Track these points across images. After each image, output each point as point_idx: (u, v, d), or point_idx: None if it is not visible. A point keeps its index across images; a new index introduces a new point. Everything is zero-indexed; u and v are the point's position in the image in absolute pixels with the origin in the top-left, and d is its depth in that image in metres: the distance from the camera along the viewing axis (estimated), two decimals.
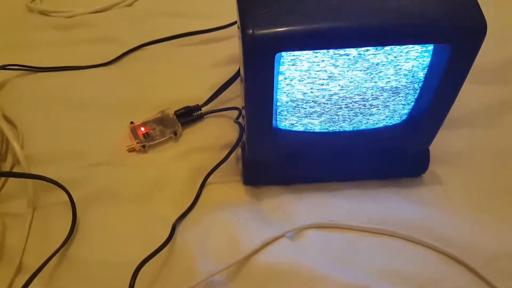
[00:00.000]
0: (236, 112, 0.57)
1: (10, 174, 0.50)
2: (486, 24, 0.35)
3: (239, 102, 0.57)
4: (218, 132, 0.56)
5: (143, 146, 0.54)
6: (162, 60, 0.67)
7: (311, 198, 0.50)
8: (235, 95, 0.60)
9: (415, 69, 0.41)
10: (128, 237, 0.46)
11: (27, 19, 0.72)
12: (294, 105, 0.43)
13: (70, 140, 0.55)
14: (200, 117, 0.58)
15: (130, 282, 0.40)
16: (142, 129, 0.55)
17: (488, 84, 0.62)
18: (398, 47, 0.38)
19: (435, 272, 0.44)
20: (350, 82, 0.41)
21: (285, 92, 0.42)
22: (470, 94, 0.59)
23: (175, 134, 0.56)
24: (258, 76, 0.39)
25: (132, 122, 0.56)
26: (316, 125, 0.46)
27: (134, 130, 0.55)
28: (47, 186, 0.48)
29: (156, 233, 0.45)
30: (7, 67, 0.62)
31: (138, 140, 0.54)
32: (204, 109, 0.59)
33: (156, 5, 0.77)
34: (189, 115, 0.58)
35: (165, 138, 0.56)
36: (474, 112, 0.59)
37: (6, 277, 0.42)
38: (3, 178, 0.50)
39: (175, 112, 0.57)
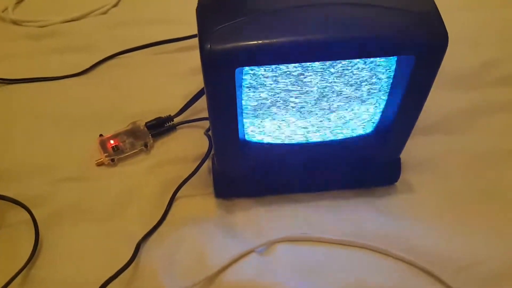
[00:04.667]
0: (208, 123, 0.56)
1: None
2: (447, 36, 0.34)
3: None
4: (191, 144, 0.55)
5: (112, 160, 0.53)
6: (137, 69, 0.66)
7: (283, 211, 0.49)
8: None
9: (379, 78, 0.40)
10: (93, 256, 0.44)
11: None
12: (260, 114, 0.42)
13: (39, 154, 0.54)
14: (172, 128, 0.57)
15: None
16: (112, 142, 0.54)
17: (461, 89, 0.62)
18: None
19: (404, 284, 0.43)
20: (315, 88, 0.40)
21: (249, 101, 0.41)
22: (443, 100, 0.60)
23: (146, 146, 0.55)
24: (218, 90, 0.38)
25: (101, 135, 0.55)
26: (284, 136, 0.45)
27: (103, 143, 0.54)
28: (9, 205, 0.47)
29: (121, 251, 0.44)
30: None
31: (107, 154, 0.53)
32: (176, 120, 0.58)
33: (133, 12, 0.76)
34: (161, 126, 0.57)
35: (136, 150, 0.54)
36: (447, 118, 0.58)
37: None
38: None
39: (146, 123, 0.56)
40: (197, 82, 0.60)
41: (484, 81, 0.63)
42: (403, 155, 0.49)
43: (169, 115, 0.57)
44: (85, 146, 0.55)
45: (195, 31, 0.36)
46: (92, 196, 0.50)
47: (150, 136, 0.55)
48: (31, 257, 0.43)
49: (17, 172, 0.52)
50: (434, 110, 0.58)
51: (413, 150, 0.53)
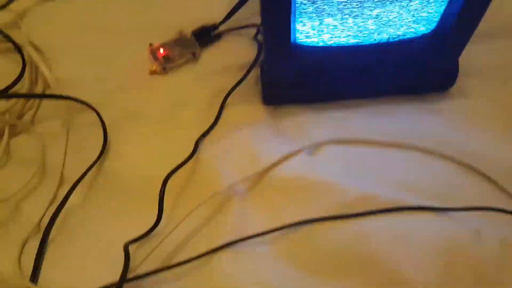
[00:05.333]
0: (254, 30, 0.57)
1: (46, 96, 0.53)
2: None
3: (258, 19, 0.57)
4: (238, 52, 0.57)
5: (164, 68, 0.56)
6: None
7: (331, 115, 0.51)
8: (254, 11, 0.59)
9: None
10: (155, 153, 0.49)
11: None
12: (314, 13, 0.42)
13: (94, 65, 0.57)
14: (218, 36, 0.59)
15: (160, 191, 0.44)
16: (162, 51, 0.57)
17: None
18: None
19: (452, 182, 0.45)
20: None
21: None
22: (503, 4, 0.56)
23: (194, 55, 0.57)
24: None
25: (151, 44, 0.57)
26: (337, 37, 0.45)
27: (153, 52, 0.57)
28: (78, 107, 0.51)
29: (181, 149, 0.48)
30: None
31: (158, 62, 0.56)
32: (221, 28, 0.59)
33: None
34: (206, 35, 0.58)
35: (185, 59, 0.57)
36: (505, 24, 0.56)
37: (50, 189, 0.47)
38: (37, 101, 0.53)
39: (193, 32, 0.58)
40: None
41: None
42: (461, 59, 0.48)
43: (214, 23, 0.59)
44: (136, 56, 0.57)
45: None
46: (148, 102, 0.53)
47: (198, 45, 0.57)
48: (102, 152, 0.49)
49: (74, 81, 0.56)
50: (494, 15, 0.56)
51: (472, 55, 0.50)
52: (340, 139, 0.49)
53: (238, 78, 0.53)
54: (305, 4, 0.41)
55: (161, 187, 0.44)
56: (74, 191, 0.46)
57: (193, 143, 0.49)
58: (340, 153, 0.48)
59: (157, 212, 0.43)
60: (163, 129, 0.52)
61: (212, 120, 0.51)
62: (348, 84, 0.51)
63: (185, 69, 0.57)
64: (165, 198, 0.44)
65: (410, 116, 0.50)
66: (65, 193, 0.45)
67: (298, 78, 0.50)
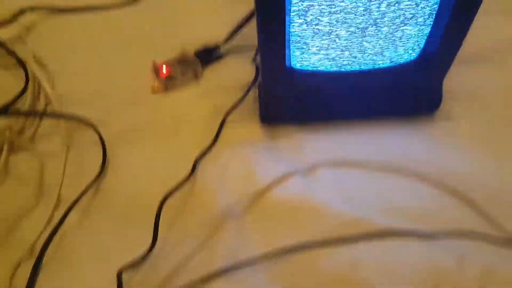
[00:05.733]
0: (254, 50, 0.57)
1: (46, 115, 0.53)
2: None
3: None
4: (237, 71, 0.57)
5: (165, 86, 0.56)
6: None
7: (325, 136, 0.51)
8: (256, 32, 0.59)
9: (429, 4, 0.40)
10: (154, 172, 0.49)
11: None
12: (308, 40, 0.43)
13: (97, 80, 0.58)
14: (220, 56, 0.59)
15: (156, 215, 0.44)
16: (164, 68, 0.57)
17: (504, 17, 0.59)
18: None
19: (441, 208, 0.45)
20: (364, 15, 0.40)
21: (298, 27, 0.42)
22: (494, 27, 0.58)
23: (196, 74, 0.57)
24: (269, 15, 0.39)
25: (154, 62, 0.58)
26: (329, 64, 0.46)
27: (156, 70, 0.57)
28: (78, 125, 0.51)
29: (179, 168, 0.48)
30: (35, 8, 0.64)
31: (160, 80, 0.56)
32: (223, 48, 0.59)
33: None
34: (208, 55, 0.59)
35: (186, 78, 0.57)
36: (496, 47, 0.57)
37: (47, 209, 0.47)
38: (38, 118, 0.53)
39: (195, 51, 0.58)
40: (243, 8, 0.60)
41: None
42: (445, 84, 0.49)
43: (216, 43, 0.59)
44: (139, 73, 0.58)
45: None
46: (149, 120, 0.54)
47: (200, 65, 0.58)
48: (100, 171, 0.49)
49: (77, 97, 0.56)
50: (483, 38, 0.57)
51: (455, 79, 0.52)
52: (333, 162, 0.49)
53: (238, 98, 0.53)
54: (298, 40, 0.43)
55: (157, 210, 0.43)
56: (71, 212, 0.46)
57: (192, 162, 0.49)
58: (334, 176, 0.48)
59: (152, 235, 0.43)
60: (162, 147, 0.51)
61: (211, 139, 0.51)
62: (341, 106, 0.52)
63: (186, 88, 0.57)
64: (161, 220, 0.43)
65: (399, 139, 0.51)
66: (62, 213, 0.45)
67: (294, 99, 0.50)
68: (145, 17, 0.64)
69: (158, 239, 0.43)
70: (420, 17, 0.42)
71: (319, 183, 0.48)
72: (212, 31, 0.60)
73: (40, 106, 0.55)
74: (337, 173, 0.49)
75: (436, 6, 0.41)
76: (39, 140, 0.53)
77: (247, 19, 0.58)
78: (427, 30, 0.43)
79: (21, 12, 0.63)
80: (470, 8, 0.41)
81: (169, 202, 0.45)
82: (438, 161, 0.49)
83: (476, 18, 0.58)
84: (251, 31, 0.58)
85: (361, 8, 0.40)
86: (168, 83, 0.56)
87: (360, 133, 0.52)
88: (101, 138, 0.50)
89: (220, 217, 0.45)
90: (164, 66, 0.57)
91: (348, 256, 0.42)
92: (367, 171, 0.49)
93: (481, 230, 0.43)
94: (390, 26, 0.42)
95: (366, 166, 0.49)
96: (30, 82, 0.55)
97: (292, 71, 0.47)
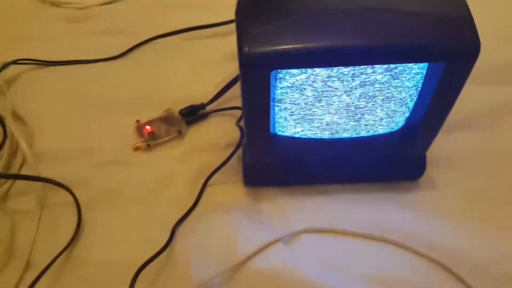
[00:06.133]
0: (240, 111, 0.57)
1: (19, 177, 0.52)
2: (479, 44, 0.34)
3: None
4: (222, 132, 0.57)
5: (148, 145, 0.55)
6: (172, 54, 0.67)
7: (309, 201, 0.51)
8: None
9: (411, 83, 0.41)
10: (130, 238, 0.47)
11: (38, 10, 0.73)
12: (291, 113, 0.43)
13: (78, 138, 0.57)
14: (205, 115, 0.59)
15: (130, 284, 0.42)
16: (148, 127, 0.56)
17: (490, 85, 0.61)
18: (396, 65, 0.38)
19: (423, 279, 0.45)
20: (347, 95, 0.41)
21: (282, 100, 0.42)
22: (475, 95, 0.58)
23: (180, 133, 0.57)
24: (254, 90, 0.39)
25: (138, 121, 0.57)
26: (313, 133, 0.46)
27: (139, 129, 0.56)
28: (53, 186, 0.50)
29: (157, 235, 0.46)
30: (18, 62, 0.64)
31: (143, 139, 0.55)
32: (209, 108, 0.59)
33: None
34: (194, 114, 0.58)
35: (170, 137, 0.57)
36: (474, 115, 0.58)
37: (15, 273, 0.44)
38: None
39: (181, 111, 0.58)
40: (230, 69, 0.61)
41: None
42: (431, 150, 0.49)
43: (202, 103, 0.59)
44: (122, 131, 0.57)
45: (230, 17, 0.37)
46: (129, 180, 0.52)
47: (184, 124, 0.57)
48: (74, 237, 0.47)
49: (56, 155, 0.55)
50: (464, 106, 0.58)
51: (438, 146, 0.52)
52: (316, 229, 0.48)
53: (222, 159, 0.53)
54: (279, 106, 0.43)
55: (132, 281, 0.41)
56: (42, 278, 0.43)
57: (170, 229, 0.47)
58: (316, 243, 0.47)
59: None
60: (141, 211, 0.50)
61: (191, 202, 0.50)
62: (325, 171, 0.52)
63: (170, 147, 0.56)
64: None
65: (382, 207, 0.50)
66: (32, 279, 0.43)
67: (278, 164, 0.50)
68: (131, 73, 0.64)
69: None
70: (403, 97, 0.42)
71: (301, 251, 0.47)
72: (199, 90, 0.60)
73: (17, 163, 0.53)
74: (320, 240, 0.48)
75: (417, 87, 0.42)
76: (12, 198, 0.51)
77: (234, 81, 0.58)
78: (410, 106, 0.44)
79: (4, 66, 0.62)
80: (454, 89, 0.41)
81: (144, 272, 0.43)
82: (421, 231, 0.48)
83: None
84: (237, 91, 0.59)
85: (341, 91, 0.40)
86: (152, 142, 0.56)
87: (344, 198, 0.51)
88: (76, 201, 0.49)
89: None
90: (147, 125, 0.56)
91: None
92: (350, 239, 0.48)
93: None
94: (372, 104, 0.43)
95: (349, 234, 0.48)
96: (7, 140, 0.54)
97: (276, 137, 0.47)
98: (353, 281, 0.44)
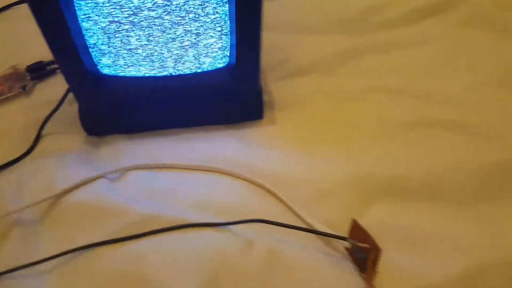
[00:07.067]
0: None
1: None
2: None
3: None
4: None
5: None
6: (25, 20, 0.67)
7: (145, 143, 0.52)
8: None
9: (217, 14, 0.43)
10: None
11: None
12: (103, 46, 0.44)
13: None
14: (53, 71, 0.60)
15: None
16: None
17: (343, 33, 0.64)
18: None
19: (245, 201, 0.46)
20: (157, 19, 0.42)
21: (89, 32, 0.43)
22: (322, 43, 0.63)
23: (24, 88, 0.57)
24: (48, 23, 0.40)
25: None
26: (135, 69, 0.47)
27: None
28: None
29: None
30: None
31: None
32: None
33: None
34: (41, 70, 0.59)
35: (14, 93, 0.57)
36: (323, 60, 0.61)
37: None
38: None
39: (27, 66, 0.59)
40: None
41: (366, 25, 0.65)
42: (274, 94, 0.52)
43: (52, 59, 0.59)
44: None
45: None
46: None
47: (29, 79, 0.58)
48: None
49: None
50: (311, 53, 0.61)
51: (284, 90, 0.57)
52: (145, 165, 0.49)
53: (66, 111, 0.53)
54: (93, 45, 0.44)
55: None
56: None
57: None
58: (144, 178, 0.49)
59: None
60: None
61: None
62: (161, 115, 0.53)
63: (14, 102, 0.57)
64: None
65: (218, 142, 0.52)
66: None
67: (111, 109, 0.51)
68: None
69: None
70: (210, 29, 0.44)
71: (127, 185, 0.48)
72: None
73: None
74: (148, 176, 0.49)
75: (221, 19, 0.44)
76: None
77: None
78: (225, 40, 0.46)
79: None
80: (252, 21, 0.43)
81: None
82: (250, 160, 0.50)
83: (305, 36, 0.64)
84: None
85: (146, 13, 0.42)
86: None
87: (181, 138, 0.53)
88: None
89: (9, 224, 0.44)
90: None
91: (133, 253, 0.42)
92: (179, 172, 0.49)
93: (280, 217, 0.44)
94: (184, 35, 0.44)
95: (179, 167, 0.49)
96: None
97: (96, 77, 0.47)
98: (176, 208, 0.46)
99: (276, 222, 0.41)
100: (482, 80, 0.56)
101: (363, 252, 0.38)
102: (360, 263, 0.39)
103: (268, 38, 0.61)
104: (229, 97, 0.52)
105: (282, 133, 0.53)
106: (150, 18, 0.42)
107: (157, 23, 0.43)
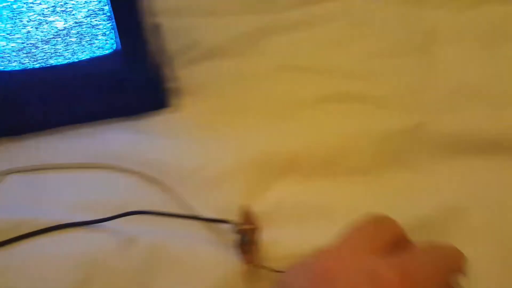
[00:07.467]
0: None
1: None
2: None
3: None
4: None
5: None
6: None
7: (32, 145, 0.48)
8: None
9: None
10: None
11: None
12: None
13: None
14: None
15: None
16: None
17: (251, 13, 0.62)
18: None
19: (132, 195, 0.43)
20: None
21: None
22: (231, 24, 0.60)
23: None
24: None
25: None
26: (6, 58, 0.43)
27: None
28: None
29: None
30: None
31: None
32: None
33: None
34: None
35: None
36: (232, 42, 0.58)
37: None
38: None
39: None
40: None
41: (276, 4, 0.62)
42: (182, 80, 0.50)
43: None
44: None
45: None
46: None
47: None
48: None
49: None
50: (221, 35, 0.59)
51: (194, 75, 0.54)
52: (23, 168, 0.45)
53: None
54: None
55: None
56: None
57: None
58: (24, 182, 0.44)
59: None
60: None
61: None
62: (50, 112, 0.49)
63: None
64: None
65: (109, 137, 0.48)
66: None
67: None
68: None
69: None
70: (92, 14, 0.41)
71: (6, 191, 0.44)
72: None
73: None
74: (28, 179, 0.45)
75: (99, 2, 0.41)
76: None
77: None
78: (107, 25, 0.43)
79: None
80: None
81: None
82: (143, 152, 0.46)
83: (214, 18, 0.61)
84: None
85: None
86: None
87: (70, 135, 0.48)
88: None
89: None
90: None
91: None
92: (63, 173, 0.45)
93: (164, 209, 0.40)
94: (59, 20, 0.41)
95: (64, 167, 0.45)
96: None
97: None
98: (54, 211, 0.41)
99: (152, 211, 0.38)
100: (390, 52, 0.55)
101: (248, 235, 0.35)
102: (245, 246, 0.36)
103: (178, 22, 0.59)
104: (122, 87, 0.49)
105: (186, 120, 0.50)
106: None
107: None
